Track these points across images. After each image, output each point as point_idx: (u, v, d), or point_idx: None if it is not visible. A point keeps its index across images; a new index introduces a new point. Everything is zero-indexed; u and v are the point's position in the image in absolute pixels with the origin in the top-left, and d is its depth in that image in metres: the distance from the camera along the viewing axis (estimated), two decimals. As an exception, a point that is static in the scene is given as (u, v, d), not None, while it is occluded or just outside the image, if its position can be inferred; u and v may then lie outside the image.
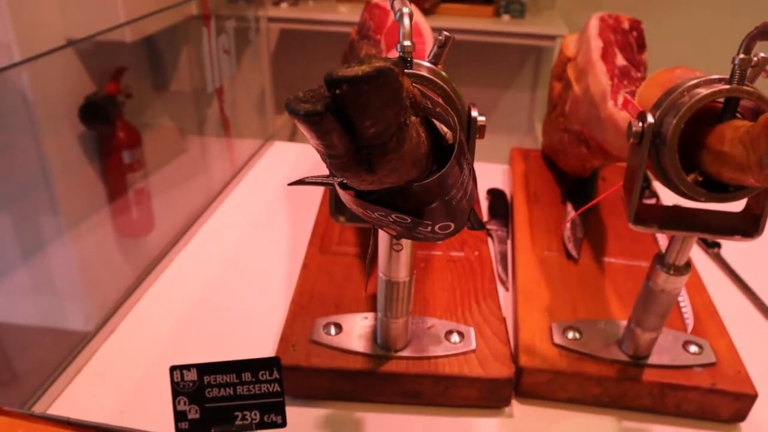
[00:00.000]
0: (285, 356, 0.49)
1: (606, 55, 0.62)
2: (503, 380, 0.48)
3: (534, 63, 1.90)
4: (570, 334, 0.52)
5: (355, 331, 0.51)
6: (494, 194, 0.76)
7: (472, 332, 0.51)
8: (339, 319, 0.52)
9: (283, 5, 1.88)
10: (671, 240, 0.43)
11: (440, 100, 0.34)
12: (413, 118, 0.26)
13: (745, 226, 0.41)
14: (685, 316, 0.55)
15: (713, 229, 0.42)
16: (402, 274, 0.44)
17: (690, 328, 0.54)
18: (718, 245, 0.71)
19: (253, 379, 0.41)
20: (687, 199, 0.40)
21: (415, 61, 0.38)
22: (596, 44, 0.64)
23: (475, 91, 1.86)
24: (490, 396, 0.49)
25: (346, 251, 0.61)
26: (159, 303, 0.61)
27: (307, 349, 0.50)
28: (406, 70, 0.36)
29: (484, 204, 0.76)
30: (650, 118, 0.39)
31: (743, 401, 0.49)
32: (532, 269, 0.60)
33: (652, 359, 0.50)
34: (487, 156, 0.72)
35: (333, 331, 0.51)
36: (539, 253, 0.63)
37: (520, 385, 0.50)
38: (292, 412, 0.49)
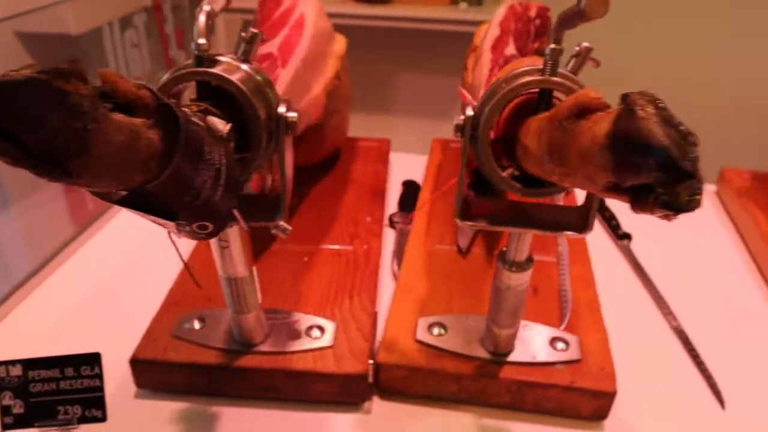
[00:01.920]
0: (144, 350, 0.49)
1: (498, 45, 0.60)
2: (356, 376, 0.48)
3: None
4: (435, 330, 0.51)
5: (219, 326, 0.51)
6: (408, 186, 0.75)
7: (333, 327, 0.51)
8: (205, 314, 0.52)
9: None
10: (509, 236, 0.42)
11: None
12: (122, 120, 0.25)
13: (577, 222, 0.40)
14: (564, 311, 0.54)
15: (545, 225, 0.40)
16: (238, 269, 0.43)
17: (564, 324, 0.53)
18: (629, 237, 0.69)
19: (75, 375, 0.41)
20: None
21: (218, 58, 0.37)
22: (492, 33, 0.62)
23: (434, 80, 1.83)
24: (345, 392, 0.48)
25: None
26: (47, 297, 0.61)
27: (167, 343, 0.50)
28: (196, 69, 0.35)
29: (396, 196, 0.75)
30: (469, 111, 0.38)
31: (602, 399, 0.48)
32: (417, 263, 0.59)
33: (514, 356, 0.49)
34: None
35: (197, 325, 0.51)
36: (431, 246, 0.62)
37: (380, 381, 0.50)
38: (148, 405, 0.49)
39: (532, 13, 0.67)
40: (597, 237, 0.71)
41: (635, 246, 0.69)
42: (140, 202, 0.29)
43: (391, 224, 0.70)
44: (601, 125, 0.26)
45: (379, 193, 0.70)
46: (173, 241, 0.36)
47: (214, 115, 0.35)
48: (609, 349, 0.51)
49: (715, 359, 0.55)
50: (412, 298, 0.55)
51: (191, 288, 0.55)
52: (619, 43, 1.69)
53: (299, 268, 0.58)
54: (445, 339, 0.50)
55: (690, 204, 0.22)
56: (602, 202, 0.76)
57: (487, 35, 0.63)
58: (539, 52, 0.41)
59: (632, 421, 0.49)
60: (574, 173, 0.29)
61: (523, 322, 0.52)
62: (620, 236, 0.70)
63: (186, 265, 0.41)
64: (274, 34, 0.55)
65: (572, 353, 0.49)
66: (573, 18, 0.32)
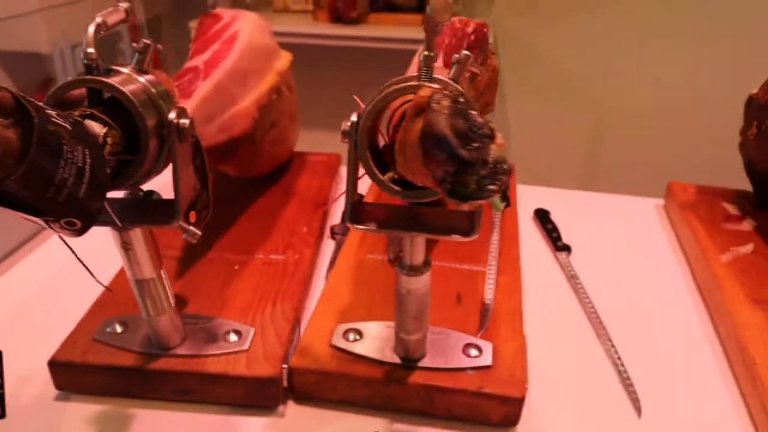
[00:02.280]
0: (63, 353, 0.50)
1: (427, 59, 0.62)
2: (267, 379, 0.48)
3: None
4: (351, 336, 0.52)
5: (139, 330, 0.52)
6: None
7: (251, 332, 0.52)
8: (128, 319, 0.53)
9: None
10: (403, 241, 0.43)
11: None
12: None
13: (463, 226, 0.41)
14: (483, 319, 0.55)
15: (434, 229, 0.41)
16: (144, 271, 0.45)
17: (481, 331, 0.53)
18: (568, 249, 0.70)
19: (-22, 372, 0.42)
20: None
21: (118, 69, 0.39)
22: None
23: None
24: (256, 395, 0.49)
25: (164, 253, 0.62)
26: None
27: (87, 346, 0.51)
28: (84, 77, 0.37)
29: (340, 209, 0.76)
30: (354, 117, 0.40)
31: (510, 405, 0.48)
32: (346, 271, 0.60)
33: (425, 362, 0.50)
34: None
35: (118, 329, 0.52)
36: (362, 255, 0.63)
37: (294, 385, 0.50)
38: (66, 407, 0.50)
39: (470, 28, 0.69)
40: (541, 249, 0.72)
41: (578, 258, 0.69)
42: (4, 197, 0.31)
43: (333, 235, 0.71)
44: (421, 122, 0.27)
45: (321, 206, 0.72)
46: (64, 241, 0.38)
47: (100, 120, 0.37)
48: (524, 356, 0.51)
49: (639, 369, 0.55)
50: (333, 306, 0.56)
51: (119, 293, 0.56)
52: (581, 59, 1.74)
53: (229, 276, 0.59)
54: (359, 344, 0.51)
55: (478, 194, 0.23)
56: (546, 214, 0.76)
57: (420, 49, 0.65)
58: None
59: (545, 428, 0.49)
60: (414, 170, 0.31)
61: (438, 329, 0.53)
62: (558, 248, 0.70)
63: (84, 264, 0.43)
64: (205, 49, 0.58)
65: (484, 360, 0.50)
66: (428, 24, 0.34)
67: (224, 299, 0.56)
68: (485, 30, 0.69)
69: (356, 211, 0.42)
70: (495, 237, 0.66)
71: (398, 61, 1.83)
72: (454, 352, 0.51)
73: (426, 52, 0.37)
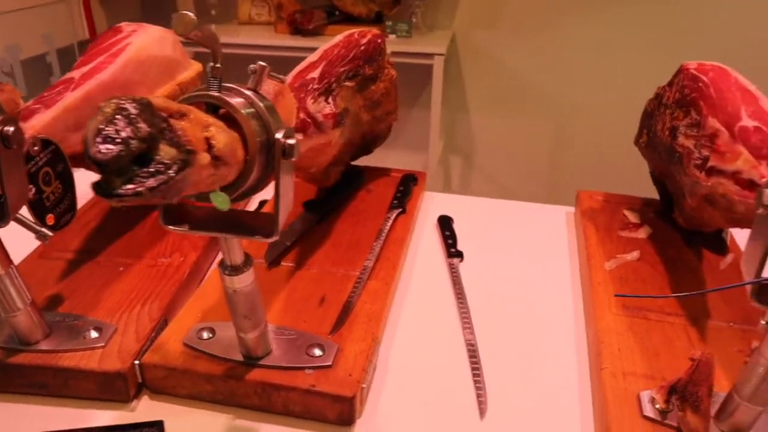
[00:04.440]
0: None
1: (307, 68, 0.64)
2: (115, 374, 0.51)
3: (422, 81, 1.90)
4: (204, 334, 0.54)
5: (4, 327, 0.55)
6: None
7: (111, 330, 0.54)
8: None
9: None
10: (219, 242, 0.45)
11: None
12: None
13: (267, 228, 0.43)
14: (339, 321, 0.56)
15: (242, 230, 0.43)
16: (-12, 270, 0.48)
17: (333, 333, 0.55)
18: (460, 256, 0.71)
19: None
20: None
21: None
22: (309, 58, 0.66)
23: None
24: (108, 389, 0.52)
25: (56, 255, 0.66)
26: None
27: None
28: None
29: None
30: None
31: (343, 403, 0.49)
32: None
33: (268, 360, 0.52)
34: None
35: (-9, 325, 0.55)
36: (245, 259, 0.65)
37: (146, 380, 0.53)
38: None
39: (364, 40, 0.71)
40: (437, 255, 0.73)
41: (469, 264, 0.70)
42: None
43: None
44: None
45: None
46: None
47: None
48: (367, 358, 0.52)
49: (496, 374, 0.56)
50: (200, 306, 0.58)
51: None
52: (541, 70, 1.76)
53: (111, 278, 0.62)
54: (209, 343, 0.53)
55: (111, 192, 0.25)
56: (448, 221, 0.77)
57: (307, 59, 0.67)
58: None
59: (384, 426, 0.51)
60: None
61: (291, 330, 0.55)
62: (450, 254, 0.71)
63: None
64: (89, 62, 0.61)
65: (324, 360, 0.52)
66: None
67: (98, 299, 0.59)
68: (379, 41, 0.72)
69: (171, 212, 0.44)
70: (378, 243, 0.67)
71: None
72: (299, 352, 0.52)
73: (211, 64, 0.39)
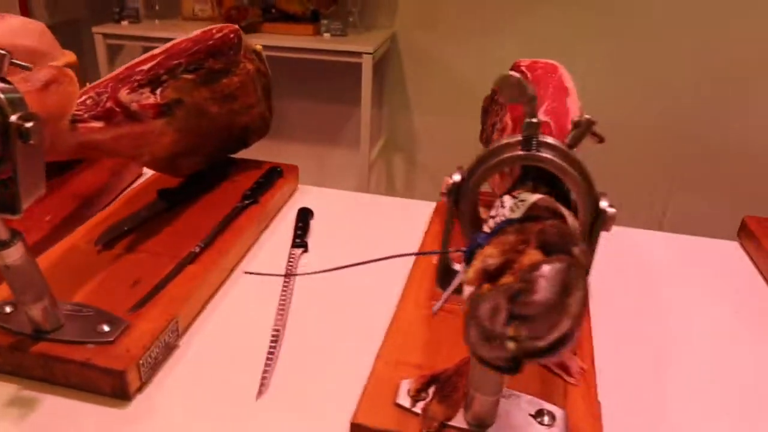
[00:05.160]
0: None
1: (145, 61, 0.67)
2: None
3: (354, 79, 1.92)
4: (7, 309, 0.57)
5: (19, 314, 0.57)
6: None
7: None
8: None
9: (124, 23, 1.91)
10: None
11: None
12: None
13: (12, 206, 0.46)
14: (141, 301, 0.59)
15: (-4, 208, 0.46)
16: None
17: (132, 312, 0.58)
18: (304, 246, 0.73)
19: None
20: None
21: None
22: (154, 51, 0.69)
23: (304, 106, 1.97)
24: None
25: None
26: None
27: None
28: None
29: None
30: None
31: (115, 377, 0.52)
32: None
33: (56, 334, 0.54)
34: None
35: None
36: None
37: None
38: None
39: (219, 34, 0.74)
40: (285, 245, 0.75)
41: (312, 255, 0.72)
42: None
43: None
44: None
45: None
46: None
47: None
48: (154, 336, 0.55)
49: (293, 360, 0.58)
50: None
51: None
52: (481, 72, 1.78)
53: None
54: (8, 316, 0.56)
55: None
56: (307, 213, 0.79)
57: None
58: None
59: (161, 403, 0.53)
60: None
61: (92, 308, 0.57)
62: (294, 244, 0.73)
63: None
64: None
65: (108, 336, 0.54)
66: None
67: None
68: (232, 36, 0.74)
69: None
70: (214, 231, 0.69)
71: (290, 68, 1.90)
72: (89, 328, 0.55)
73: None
